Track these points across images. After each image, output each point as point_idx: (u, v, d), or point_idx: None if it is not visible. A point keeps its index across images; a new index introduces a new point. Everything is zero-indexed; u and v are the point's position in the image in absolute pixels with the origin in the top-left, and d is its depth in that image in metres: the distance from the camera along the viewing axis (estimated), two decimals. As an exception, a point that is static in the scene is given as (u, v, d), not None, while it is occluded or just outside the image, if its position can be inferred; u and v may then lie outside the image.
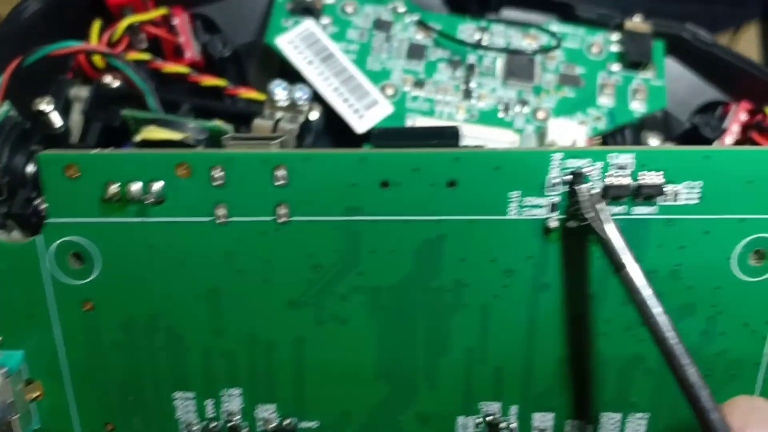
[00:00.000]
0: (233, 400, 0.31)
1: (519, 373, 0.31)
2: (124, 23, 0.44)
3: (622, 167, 0.27)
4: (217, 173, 0.27)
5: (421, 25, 0.49)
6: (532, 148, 0.28)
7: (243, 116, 0.42)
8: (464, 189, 0.28)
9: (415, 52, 0.49)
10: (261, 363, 0.31)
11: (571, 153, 0.27)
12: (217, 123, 0.40)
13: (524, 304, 0.30)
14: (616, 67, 0.50)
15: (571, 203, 0.28)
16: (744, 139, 0.49)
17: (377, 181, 0.28)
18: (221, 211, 0.28)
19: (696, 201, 0.28)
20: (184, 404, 0.31)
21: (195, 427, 0.32)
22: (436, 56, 0.49)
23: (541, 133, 0.47)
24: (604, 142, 0.49)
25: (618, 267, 0.26)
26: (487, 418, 0.32)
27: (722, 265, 0.29)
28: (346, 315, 0.30)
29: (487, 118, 0.47)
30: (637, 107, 0.48)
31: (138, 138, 0.39)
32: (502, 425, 0.32)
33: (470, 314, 0.30)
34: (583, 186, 0.27)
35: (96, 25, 0.44)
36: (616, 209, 0.28)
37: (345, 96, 0.46)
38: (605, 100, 0.48)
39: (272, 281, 0.29)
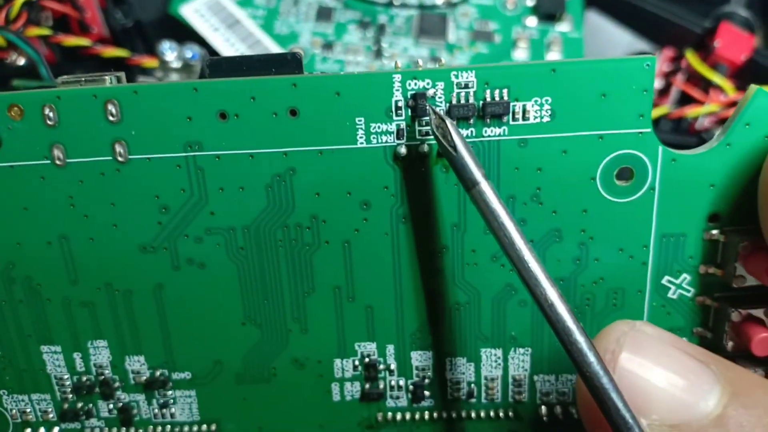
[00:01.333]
0: (101, 353, 0.31)
1: (391, 311, 0.30)
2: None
3: (464, 86, 0.26)
4: (50, 112, 0.27)
5: (330, -13, 0.48)
6: (374, 71, 0.27)
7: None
8: (307, 117, 0.27)
9: (324, 14, 0.48)
10: (122, 312, 0.30)
11: (412, 74, 0.26)
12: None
13: (386, 237, 0.29)
14: (531, 21, 0.48)
15: (419, 126, 0.27)
16: (666, 87, 0.48)
17: (214, 112, 0.27)
18: (58, 153, 0.27)
19: (548, 119, 0.27)
20: (52, 358, 0.31)
21: (67, 382, 0.31)
22: (345, 18, 0.48)
23: (440, 65, 0.46)
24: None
25: (469, 184, 0.25)
26: (365, 360, 0.30)
27: (587, 186, 0.28)
28: (203, 258, 0.29)
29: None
30: (553, 60, 0.47)
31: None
32: (381, 366, 0.31)
33: (332, 251, 0.29)
34: (428, 103, 0.26)
35: (-8, 2, 0.44)
36: (465, 132, 0.27)
37: (251, 61, 0.45)
38: (520, 54, 0.47)
39: (121, 225, 0.28)
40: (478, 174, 0.25)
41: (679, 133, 0.46)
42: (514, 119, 0.27)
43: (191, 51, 0.40)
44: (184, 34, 0.47)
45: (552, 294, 0.24)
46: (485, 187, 0.25)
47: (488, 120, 0.27)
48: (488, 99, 0.26)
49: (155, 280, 0.29)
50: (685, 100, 0.47)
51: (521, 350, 0.30)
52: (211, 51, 0.46)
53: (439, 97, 0.27)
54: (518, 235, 0.24)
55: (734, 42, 0.45)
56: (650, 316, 0.30)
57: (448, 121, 0.25)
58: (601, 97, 0.27)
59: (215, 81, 0.26)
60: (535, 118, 0.27)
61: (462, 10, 0.48)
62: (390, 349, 0.30)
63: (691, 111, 0.45)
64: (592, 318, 0.30)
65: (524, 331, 0.30)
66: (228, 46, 0.46)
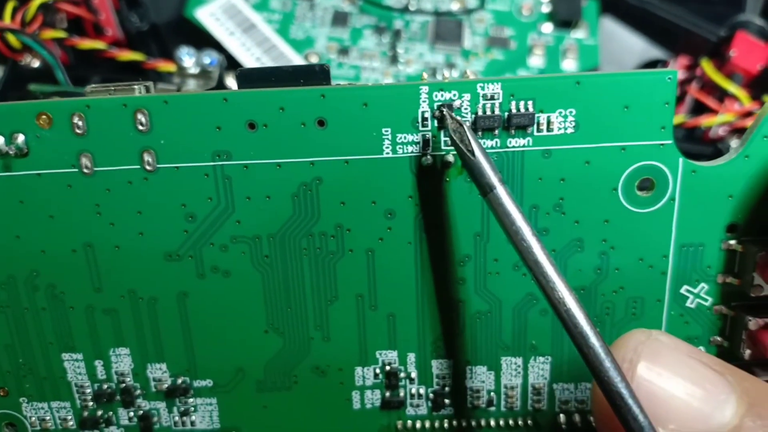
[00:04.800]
0: (122, 360, 0.31)
1: (412, 320, 0.30)
2: (36, 2, 0.43)
3: (490, 98, 0.27)
4: (78, 121, 0.27)
5: (346, -8, 0.48)
6: (400, 82, 0.27)
7: (156, 87, 0.42)
8: (335, 128, 0.27)
9: (340, 19, 0.48)
10: (145, 320, 0.30)
11: (438, 85, 0.27)
12: (125, 92, 0.39)
13: (410, 246, 0.29)
14: (547, 27, 0.49)
15: (444, 137, 0.27)
16: (681, 95, 0.48)
17: (243, 122, 0.27)
18: (86, 161, 0.27)
19: (572, 130, 0.27)
20: (73, 366, 0.31)
21: (87, 390, 0.31)
22: (361, 23, 0.48)
23: (466, 77, 0.46)
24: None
25: (486, 189, 0.25)
26: (386, 368, 0.31)
27: (609, 196, 0.28)
28: (228, 266, 0.29)
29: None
30: (569, 67, 0.48)
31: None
32: (402, 374, 0.31)
33: (356, 259, 0.29)
34: (445, 108, 0.26)
35: (9, 5, 0.44)
36: (490, 142, 0.27)
37: (267, 65, 0.45)
38: (536, 61, 0.48)
39: (147, 233, 0.28)
40: (494, 178, 0.25)
41: (693, 142, 0.46)
42: (538, 130, 0.27)
43: (209, 57, 0.40)
44: (200, 37, 0.47)
45: (569, 299, 0.24)
46: (501, 191, 0.25)
47: (513, 131, 0.27)
48: (514, 110, 0.27)
49: (179, 288, 0.29)
50: (699, 107, 0.48)
51: (541, 359, 0.31)
52: (228, 55, 0.46)
53: (465, 109, 0.27)
54: (534, 239, 0.24)
55: (750, 51, 0.45)
56: (669, 325, 0.30)
57: (465, 126, 0.25)
58: (623, 109, 0.27)
59: (245, 92, 0.27)
60: (560, 129, 0.27)
61: (478, 16, 0.48)
62: (411, 357, 0.31)
63: (706, 120, 0.45)
64: (611, 326, 0.30)
65: (544, 339, 0.30)
66: (244, 51, 0.46)
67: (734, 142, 0.46)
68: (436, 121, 0.27)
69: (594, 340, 0.23)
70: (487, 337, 0.30)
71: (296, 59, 0.45)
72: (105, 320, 0.30)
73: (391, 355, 0.30)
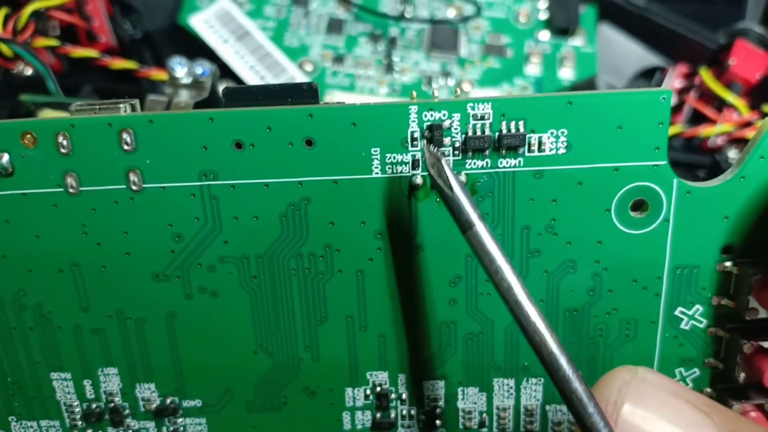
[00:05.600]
0: (111, 380, 0.30)
1: (403, 340, 0.30)
2: (28, 9, 0.43)
3: (480, 118, 0.26)
4: (63, 140, 0.26)
5: (341, -1, 0.48)
6: (389, 101, 0.26)
7: (148, 96, 0.41)
8: (323, 148, 0.27)
9: (335, 26, 0.48)
10: (133, 340, 0.30)
11: (428, 105, 0.26)
12: (116, 103, 0.38)
13: (400, 267, 0.28)
14: (544, 35, 0.48)
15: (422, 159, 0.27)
16: (680, 104, 0.47)
17: (230, 142, 0.27)
18: (71, 181, 0.27)
19: (564, 150, 0.27)
20: (62, 385, 0.31)
21: (76, 409, 0.31)
22: (356, 30, 0.48)
23: (456, 97, 0.46)
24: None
25: (465, 226, 0.25)
26: (376, 389, 0.30)
27: (601, 217, 0.28)
28: (216, 287, 0.29)
29: (410, 91, 0.46)
30: (566, 75, 0.47)
31: (35, 122, 0.38)
32: (392, 395, 0.31)
33: (345, 280, 0.29)
34: (423, 141, 0.26)
35: (0, 13, 0.43)
36: (480, 163, 0.27)
37: (261, 74, 0.45)
38: (532, 69, 0.47)
39: (133, 253, 0.28)
40: (473, 215, 0.24)
41: (691, 151, 0.46)
42: (530, 151, 0.27)
43: (201, 67, 0.40)
44: (194, 45, 0.47)
45: (550, 341, 0.23)
46: (481, 228, 0.24)
47: (504, 152, 0.26)
48: (504, 131, 0.26)
49: (167, 309, 0.29)
50: (697, 117, 0.47)
51: (534, 380, 0.30)
52: (221, 64, 0.45)
53: (455, 129, 0.26)
54: (515, 278, 0.24)
55: (749, 60, 0.45)
56: (663, 347, 0.30)
57: (443, 161, 0.25)
58: (616, 129, 0.26)
59: (231, 111, 0.26)
60: (551, 149, 0.27)
61: (474, 24, 0.48)
62: (402, 378, 0.30)
63: (704, 130, 0.44)
64: (605, 348, 0.30)
65: (537, 360, 0.30)
66: (238, 59, 0.45)
67: (732, 152, 0.46)
68: (425, 141, 0.26)
69: (576, 384, 0.23)
70: (479, 358, 0.30)
71: (290, 67, 0.45)
72: (93, 340, 0.29)
73: (382, 376, 0.30)
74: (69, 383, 0.31)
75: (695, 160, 0.45)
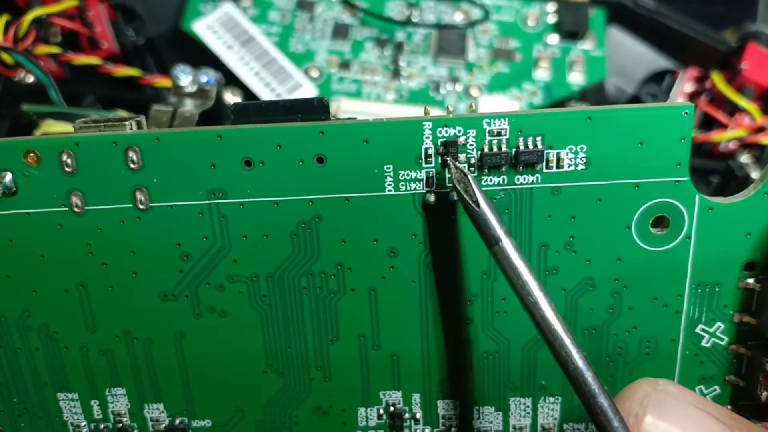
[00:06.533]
0: (119, 400, 0.30)
1: (417, 359, 0.29)
2: (29, 16, 0.42)
3: (497, 134, 0.25)
4: (67, 159, 0.26)
5: (347, 3, 0.47)
6: (403, 117, 0.26)
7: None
8: (335, 165, 0.26)
9: (341, 31, 0.47)
10: (141, 360, 0.29)
11: (443, 121, 0.25)
12: (120, 113, 0.38)
13: (414, 285, 0.28)
14: (553, 39, 0.47)
15: (449, 174, 0.26)
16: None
17: (239, 160, 0.26)
18: (76, 200, 0.26)
19: (582, 167, 0.26)
20: (69, 406, 0.30)
21: (84, 430, 0.30)
22: (362, 35, 0.47)
23: (472, 112, 0.45)
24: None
25: (492, 241, 0.24)
26: (390, 409, 0.30)
27: (621, 234, 0.27)
28: (225, 306, 0.28)
29: (418, 97, 0.46)
30: (576, 79, 0.46)
31: (38, 133, 0.38)
32: (406, 415, 0.30)
33: (358, 299, 0.28)
34: (449, 157, 0.25)
35: (1, 20, 0.43)
36: (497, 179, 0.26)
37: (266, 80, 0.44)
38: (541, 74, 0.46)
39: (141, 273, 0.27)
40: (500, 231, 0.24)
41: (703, 156, 0.45)
42: (548, 167, 0.26)
43: (206, 76, 0.39)
44: (197, 51, 0.46)
45: (577, 357, 0.23)
46: (507, 244, 0.24)
47: (521, 168, 0.26)
48: (521, 147, 0.26)
49: (176, 328, 0.28)
50: (708, 120, 0.46)
51: (551, 399, 0.30)
52: (225, 70, 0.45)
53: (471, 145, 0.26)
54: (542, 294, 0.24)
55: (762, 64, 0.44)
56: (683, 365, 0.29)
57: (470, 176, 0.24)
58: (637, 145, 0.26)
59: (240, 128, 0.25)
60: (570, 166, 0.26)
61: (482, 28, 0.47)
62: (416, 397, 0.30)
63: (716, 136, 0.44)
64: (624, 366, 0.29)
65: (554, 379, 0.29)
66: (242, 65, 0.45)
67: (744, 157, 0.45)
68: (440, 158, 0.26)
69: (602, 400, 0.22)
70: (495, 376, 0.29)
71: (296, 73, 0.44)
72: (100, 360, 0.29)
73: (396, 396, 0.29)
74: (76, 403, 0.30)
75: (707, 165, 0.45)
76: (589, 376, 0.23)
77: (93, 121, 0.26)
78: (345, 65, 0.45)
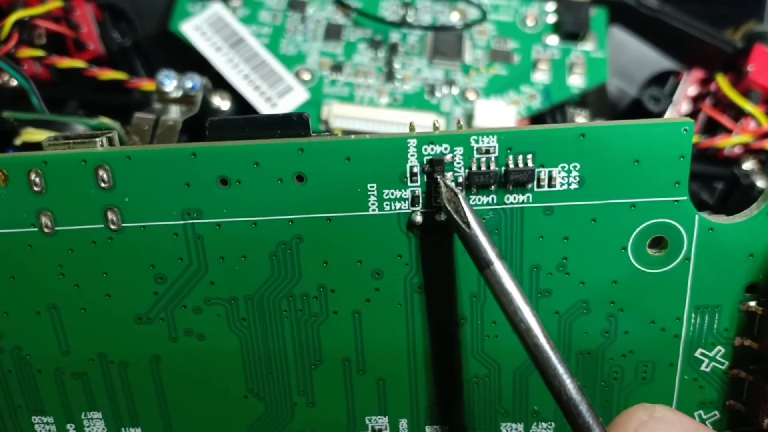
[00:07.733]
0: (95, 424, 0.29)
1: (404, 384, 0.28)
2: (12, 19, 0.41)
3: (485, 151, 0.24)
4: (36, 178, 0.24)
5: (339, 3, 0.45)
6: (387, 134, 0.24)
7: (137, 109, 0.39)
8: (315, 183, 0.25)
9: (333, 32, 0.45)
10: (117, 384, 0.28)
11: (428, 138, 0.24)
12: (102, 120, 0.37)
13: (400, 308, 0.27)
14: (552, 39, 0.46)
15: (434, 194, 0.25)
16: (695, 112, 0.45)
17: (214, 178, 0.25)
18: (46, 220, 0.25)
19: (576, 186, 0.24)
20: (44, 429, 0.29)
21: (59, 454, 0.29)
22: (355, 37, 0.45)
23: (468, 116, 0.44)
24: (542, 122, 0.45)
25: (483, 264, 0.23)
26: (375, 434, 0.29)
27: (617, 256, 0.26)
28: (202, 329, 0.27)
29: (412, 101, 0.44)
30: (576, 82, 0.45)
31: (18, 141, 0.37)
32: (393, 441, 0.29)
33: (341, 322, 0.27)
34: (439, 175, 0.24)
35: (-17, 23, 0.41)
36: (485, 199, 0.25)
37: (256, 83, 0.43)
38: (540, 76, 0.45)
39: (114, 295, 0.26)
40: (491, 253, 0.23)
41: (707, 162, 0.44)
42: (539, 186, 0.25)
43: (191, 81, 0.38)
44: (186, 53, 0.45)
45: (570, 387, 0.22)
46: (499, 267, 0.23)
47: (511, 187, 0.24)
48: (511, 165, 0.24)
49: (152, 352, 0.27)
50: (712, 124, 0.45)
51: (544, 424, 0.28)
52: (214, 73, 0.43)
53: (458, 163, 0.24)
54: (534, 320, 0.23)
55: (768, 67, 0.42)
56: (681, 390, 0.28)
57: (461, 196, 0.23)
58: (633, 163, 0.24)
59: (215, 146, 0.24)
60: (562, 185, 0.25)
61: (479, 28, 0.45)
62: (403, 423, 0.28)
63: (721, 142, 0.42)
64: (619, 392, 0.28)
65: (547, 404, 0.28)
66: (231, 68, 0.43)
67: (748, 164, 0.43)
68: (425, 177, 0.24)
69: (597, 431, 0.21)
70: (485, 402, 0.28)
71: (287, 76, 0.43)
72: (75, 384, 0.28)
73: (382, 421, 0.28)
74: (52, 427, 0.29)
75: (710, 171, 0.43)
76: (583, 407, 0.22)
77: (63, 138, 0.25)
78: (337, 67, 0.44)
